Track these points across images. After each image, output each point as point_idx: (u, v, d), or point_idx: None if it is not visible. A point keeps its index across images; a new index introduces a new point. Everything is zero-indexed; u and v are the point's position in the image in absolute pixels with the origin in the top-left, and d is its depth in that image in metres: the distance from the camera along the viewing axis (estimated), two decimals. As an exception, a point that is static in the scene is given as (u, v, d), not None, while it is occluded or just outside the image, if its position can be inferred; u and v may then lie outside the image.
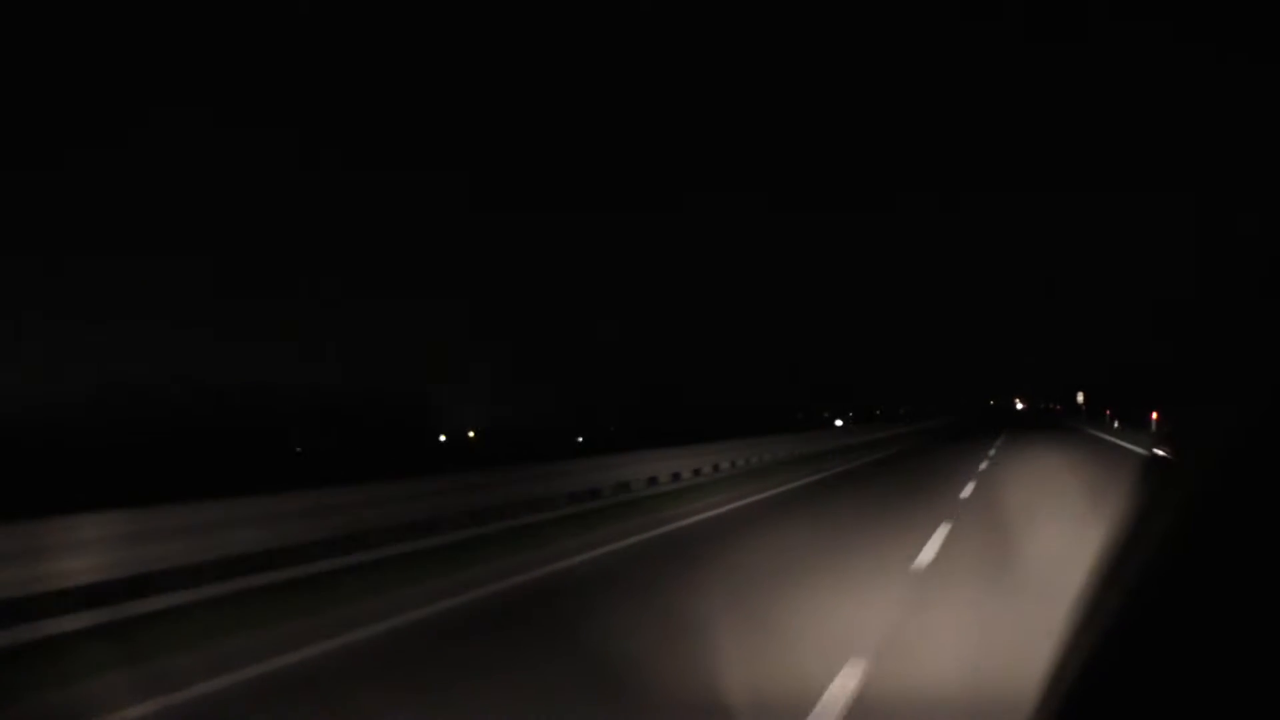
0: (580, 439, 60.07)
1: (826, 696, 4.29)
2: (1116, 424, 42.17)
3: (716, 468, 18.96)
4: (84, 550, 6.49)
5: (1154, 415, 30.68)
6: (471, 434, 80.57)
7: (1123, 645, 0.89)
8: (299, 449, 49.67)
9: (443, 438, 75.37)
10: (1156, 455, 1.45)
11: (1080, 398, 75.69)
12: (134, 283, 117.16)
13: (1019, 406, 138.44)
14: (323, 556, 8.37)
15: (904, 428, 51.92)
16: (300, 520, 8.42)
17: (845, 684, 4.45)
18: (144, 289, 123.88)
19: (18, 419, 41.00)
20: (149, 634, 6.06)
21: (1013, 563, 7.78)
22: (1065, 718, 0.92)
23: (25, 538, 6.37)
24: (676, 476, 16.74)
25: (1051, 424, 56.90)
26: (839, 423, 58.72)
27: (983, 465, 20.37)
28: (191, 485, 13.35)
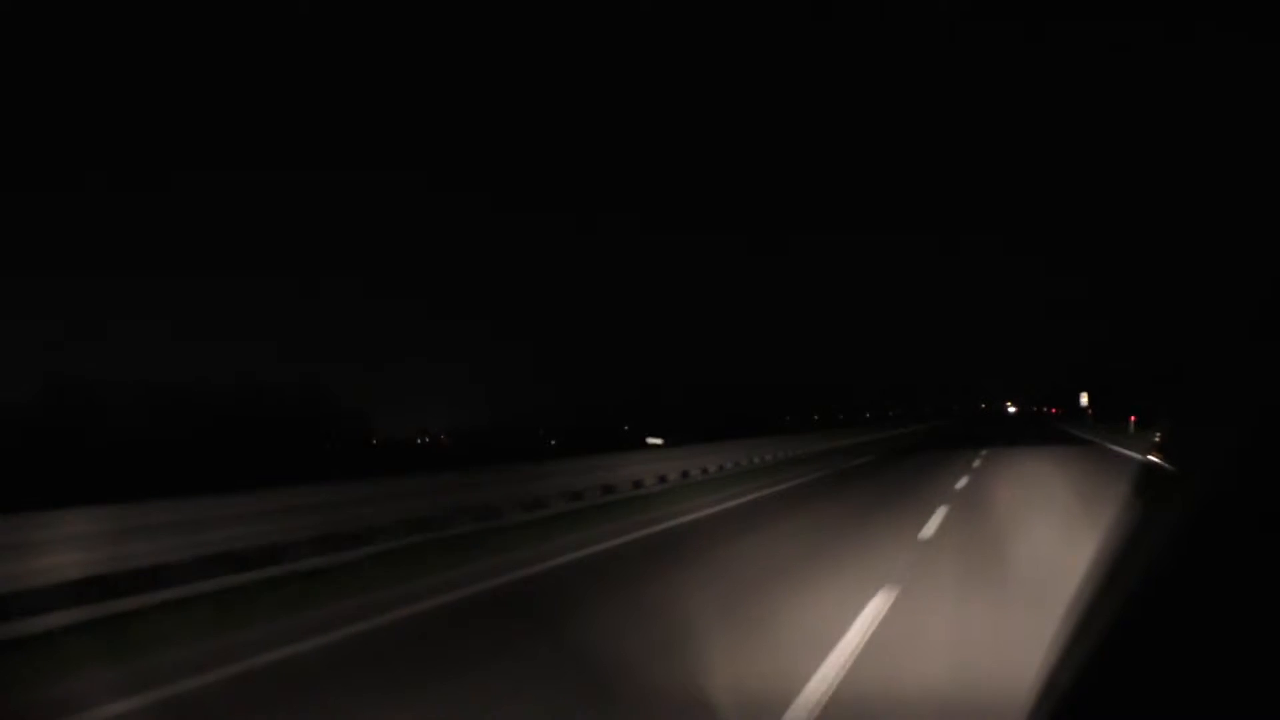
0: (554, 441, 60.14)
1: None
2: (1158, 437, 27.10)
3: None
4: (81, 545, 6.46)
5: None
6: (443, 436, 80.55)
7: (1117, 654, 0.90)
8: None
9: (426, 439, 75.51)
10: (1151, 462, 1.49)
11: (1084, 399, 64.80)
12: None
13: (1010, 410, 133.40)
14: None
15: (841, 440, 37.46)
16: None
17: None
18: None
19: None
20: (144, 627, 6.10)
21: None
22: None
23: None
24: (638, 483, 16.76)
25: (1050, 432, 45.62)
26: (656, 440, 42.89)
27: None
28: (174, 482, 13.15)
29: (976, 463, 21.47)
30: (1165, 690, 0.85)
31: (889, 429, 54.96)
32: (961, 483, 15.91)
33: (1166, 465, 1.12)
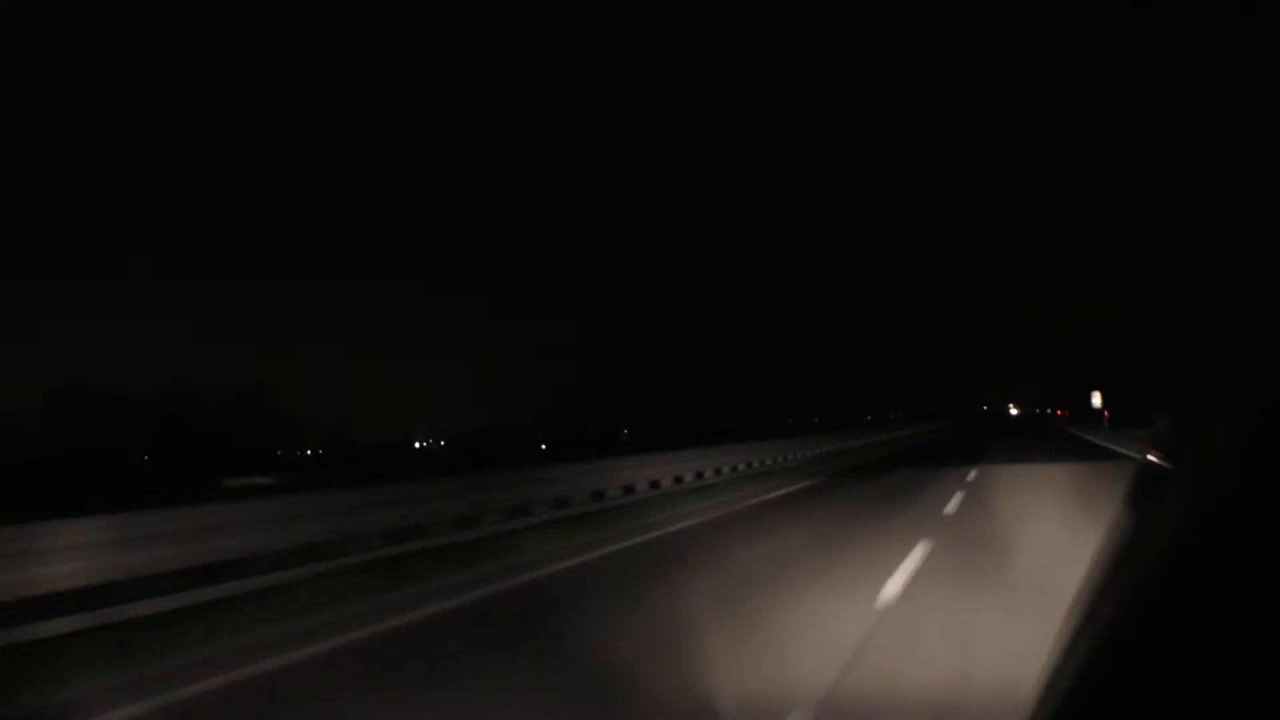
0: (543, 446, 60.25)
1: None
2: (1157, 436, 8.63)
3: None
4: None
5: None
6: (436, 440, 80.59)
7: (1117, 654, 0.88)
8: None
9: (418, 444, 75.61)
10: (1150, 461, 1.48)
11: (1097, 399, 56.44)
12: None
13: (1013, 412, 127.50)
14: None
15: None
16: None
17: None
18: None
19: None
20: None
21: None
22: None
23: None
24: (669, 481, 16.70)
25: (1061, 440, 36.62)
26: (261, 480, 31.52)
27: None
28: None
29: (954, 502, 13.35)
30: (1165, 690, 0.83)
31: (886, 431, 55.41)
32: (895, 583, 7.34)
33: (1166, 465, 1.09)
